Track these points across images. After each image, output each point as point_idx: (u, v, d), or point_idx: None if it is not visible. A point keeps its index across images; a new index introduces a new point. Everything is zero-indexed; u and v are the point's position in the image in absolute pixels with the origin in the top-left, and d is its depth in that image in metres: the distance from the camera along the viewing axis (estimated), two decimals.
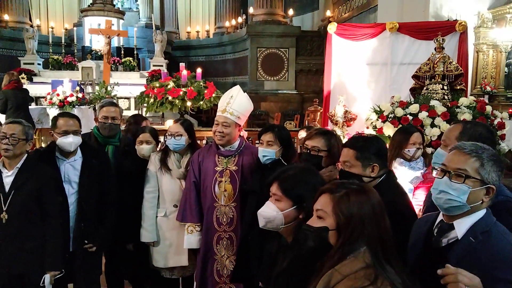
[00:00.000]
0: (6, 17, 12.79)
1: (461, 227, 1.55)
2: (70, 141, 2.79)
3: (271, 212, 1.79)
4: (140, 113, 9.35)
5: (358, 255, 1.36)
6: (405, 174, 3.04)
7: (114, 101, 3.62)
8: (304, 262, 1.54)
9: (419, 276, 1.62)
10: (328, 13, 11.92)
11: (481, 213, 1.55)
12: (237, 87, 3.04)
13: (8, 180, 2.61)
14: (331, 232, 1.42)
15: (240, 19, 13.99)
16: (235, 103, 2.92)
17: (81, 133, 2.95)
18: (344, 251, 1.38)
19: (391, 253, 1.40)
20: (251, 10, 12.71)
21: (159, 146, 3.47)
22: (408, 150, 3.06)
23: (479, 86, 7.81)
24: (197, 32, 15.81)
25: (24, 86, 9.14)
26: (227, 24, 14.51)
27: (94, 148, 3.08)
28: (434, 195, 1.59)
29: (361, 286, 1.28)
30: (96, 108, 3.35)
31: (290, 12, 12.47)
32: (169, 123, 4.85)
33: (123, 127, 4.00)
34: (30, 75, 10.92)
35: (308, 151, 2.47)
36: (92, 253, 2.91)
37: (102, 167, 2.98)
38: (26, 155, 2.70)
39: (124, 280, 3.59)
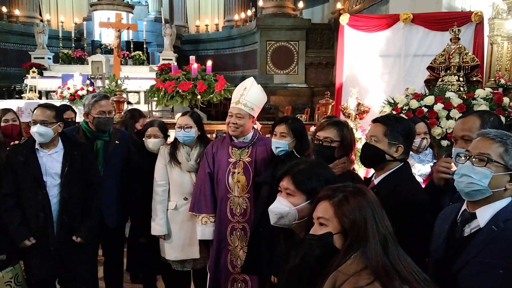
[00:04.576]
0: (16, 12, 12.84)
1: (484, 215, 1.53)
2: (33, 131, 2.78)
3: (283, 208, 1.74)
4: (149, 107, 9.37)
5: (361, 254, 1.36)
6: (413, 167, 2.98)
7: (107, 94, 3.54)
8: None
9: (442, 266, 1.60)
10: (339, 5, 11.75)
11: (504, 202, 1.52)
12: (251, 79, 3.04)
13: None
14: (335, 236, 1.42)
15: (249, 12, 13.87)
16: (248, 95, 2.92)
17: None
18: (349, 252, 1.38)
19: (394, 248, 1.40)
20: (260, 3, 12.60)
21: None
22: (414, 141, 3.01)
23: (493, 79, 7.65)
24: (206, 25, 15.73)
25: (35, 80, 9.23)
26: (236, 17, 14.41)
27: (75, 140, 3.04)
28: (456, 179, 1.57)
29: (366, 283, 1.27)
30: (86, 103, 3.23)
31: (300, 4, 12.33)
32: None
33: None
34: (41, 70, 10.95)
35: (320, 142, 2.41)
36: (77, 247, 2.87)
37: (85, 159, 2.94)
38: None
39: (123, 276, 3.55)
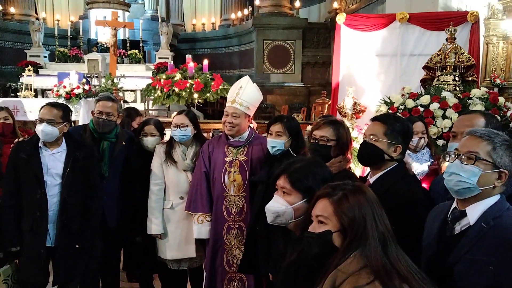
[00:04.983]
0: (12, 9, 12.78)
1: (474, 213, 1.55)
2: (39, 129, 2.75)
3: (280, 206, 1.75)
4: (146, 105, 9.36)
5: (361, 253, 1.36)
6: (411, 166, 2.99)
7: (112, 95, 3.48)
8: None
9: (434, 264, 1.62)
10: (335, 4, 11.78)
11: (494, 199, 1.54)
12: (246, 78, 3.03)
13: None
14: (335, 234, 1.42)
15: (246, 11, 13.87)
16: (244, 94, 2.91)
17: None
18: (348, 251, 1.38)
19: (393, 247, 1.40)
20: (257, 1, 12.60)
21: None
22: (412, 140, 3.03)
23: (488, 79, 7.69)
24: (203, 24, 15.72)
25: (31, 79, 9.17)
26: (233, 16, 14.40)
27: (79, 141, 3.00)
28: (446, 177, 1.58)
29: (366, 282, 1.27)
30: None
31: (297, 4, 12.34)
32: None
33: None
34: (37, 68, 10.90)
35: (317, 141, 2.41)
36: (74, 250, 2.85)
37: (87, 161, 2.91)
38: None
39: (119, 277, 3.54)
